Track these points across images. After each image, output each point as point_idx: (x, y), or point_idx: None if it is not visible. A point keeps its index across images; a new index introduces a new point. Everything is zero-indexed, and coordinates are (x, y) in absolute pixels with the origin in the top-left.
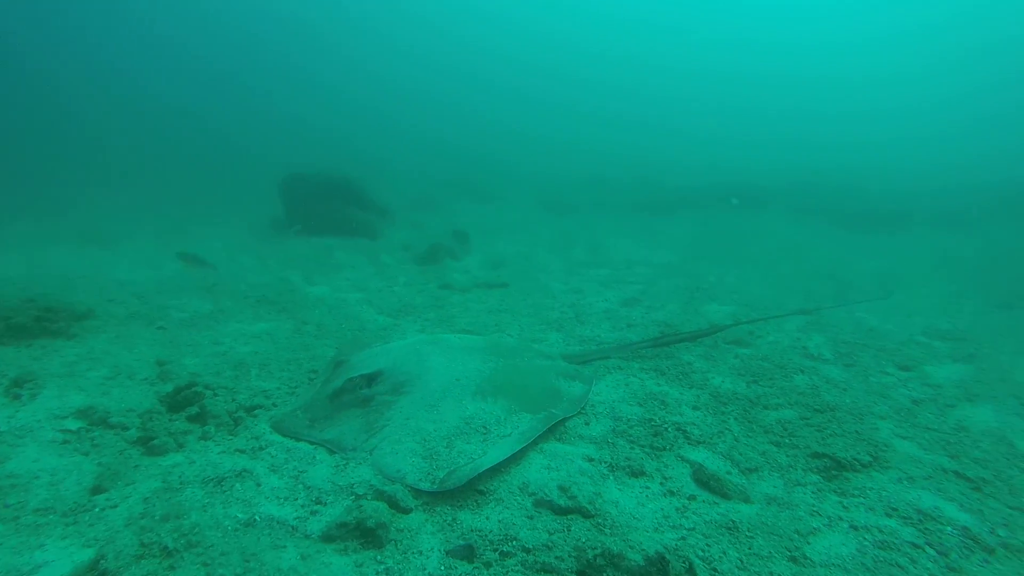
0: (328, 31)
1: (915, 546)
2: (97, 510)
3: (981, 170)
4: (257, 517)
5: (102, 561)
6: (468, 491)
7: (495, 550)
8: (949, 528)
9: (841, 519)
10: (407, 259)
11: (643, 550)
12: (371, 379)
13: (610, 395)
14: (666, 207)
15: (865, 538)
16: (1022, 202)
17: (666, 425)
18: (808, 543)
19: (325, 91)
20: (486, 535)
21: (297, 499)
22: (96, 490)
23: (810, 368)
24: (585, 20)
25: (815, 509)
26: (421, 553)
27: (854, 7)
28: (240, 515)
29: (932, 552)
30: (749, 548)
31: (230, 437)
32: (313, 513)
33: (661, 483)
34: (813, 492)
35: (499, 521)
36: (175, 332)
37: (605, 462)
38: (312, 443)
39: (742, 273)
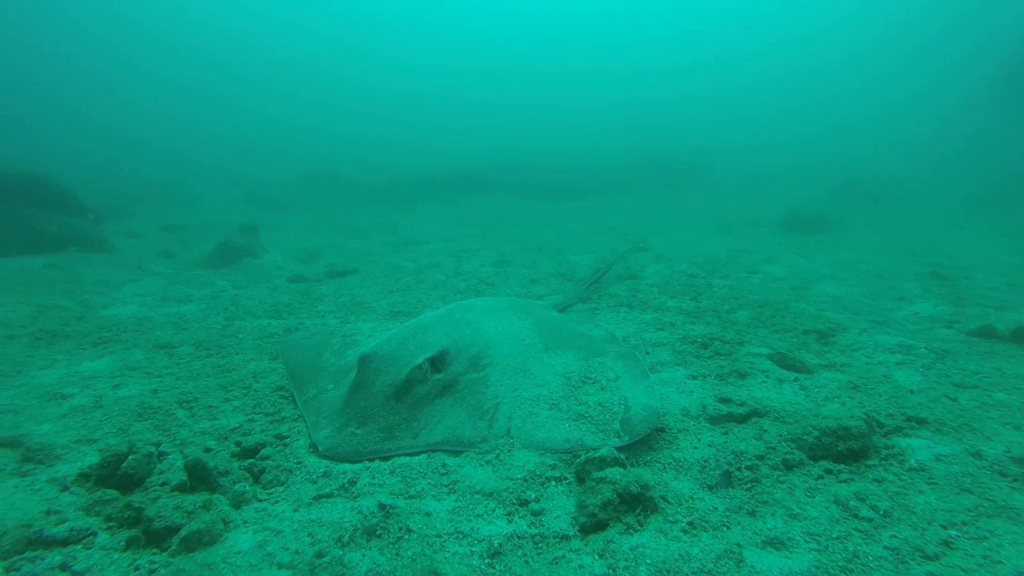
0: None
1: (927, 367)
2: None
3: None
4: (495, 543)
5: None
6: (650, 434)
7: (738, 468)
8: (922, 347)
9: (886, 363)
10: (192, 264)
11: (852, 416)
12: (436, 362)
13: (622, 330)
14: (410, 196)
15: (916, 367)
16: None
17: (699, 338)
18: (895, 380)
19: None
20: (715, 461)
21: (494, 511)
22: None
23: (708, 283)
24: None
25: (867, 362)
26: (692, 498)
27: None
28: (475, 549)
29: (930, 356)
30: (880, 396)
31: (277, 488)
32: (535, 514)
33: (766, 376)
34: (839, 353)
35: (708, 445)
36: None
37: (706, 375)
38: (414, 453)
39: (549, 234)
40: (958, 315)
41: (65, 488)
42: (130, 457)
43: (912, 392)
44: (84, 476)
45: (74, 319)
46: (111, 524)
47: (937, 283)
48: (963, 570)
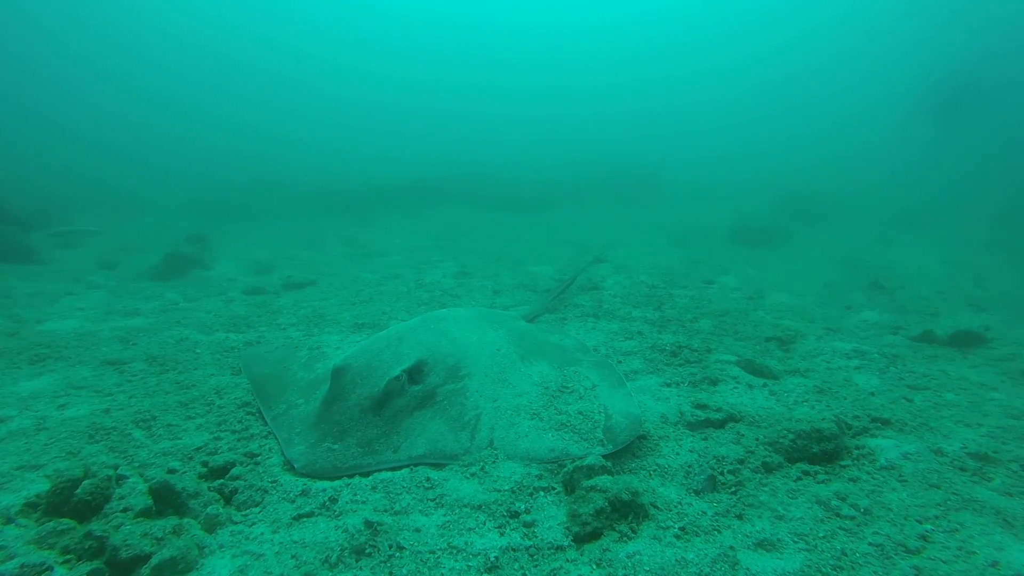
0: None
1: (882, 371)
2: None
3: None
4: (491, 557)
5: None
6: (632, 441)
7: (721, 472)
8: (874, 352)
9: (845, 368)
10: (136, 276)
11: (824, 419)
12: (414, 373)
13: (592, 339)
14: (368, 206)
15: (873, 371)
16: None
17: (667, 346)
18: (856, 383)
19: None
20: (699, 466)
21: (485, 524)
22: None
23: (668, 293)
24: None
25: (827, 367)
26: (681, 503)
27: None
28: (471, 564)
29: (883, 360)
30: (845, 399)
31: (253, 510)
32: (527, 526)
33: (736, 382)
34: (800, 359)
35: (690, 451)
36: None
37: (679, 383)
38: (396, 468)
39: (509, 246)
40: (901, 322)
41: (9, 520)
42: (85, 482)
43: (873, 394)
44: (31, 505)
45: (5, 335)
46: (69, 557)
47: (879, 292)
48: (943, 562)
